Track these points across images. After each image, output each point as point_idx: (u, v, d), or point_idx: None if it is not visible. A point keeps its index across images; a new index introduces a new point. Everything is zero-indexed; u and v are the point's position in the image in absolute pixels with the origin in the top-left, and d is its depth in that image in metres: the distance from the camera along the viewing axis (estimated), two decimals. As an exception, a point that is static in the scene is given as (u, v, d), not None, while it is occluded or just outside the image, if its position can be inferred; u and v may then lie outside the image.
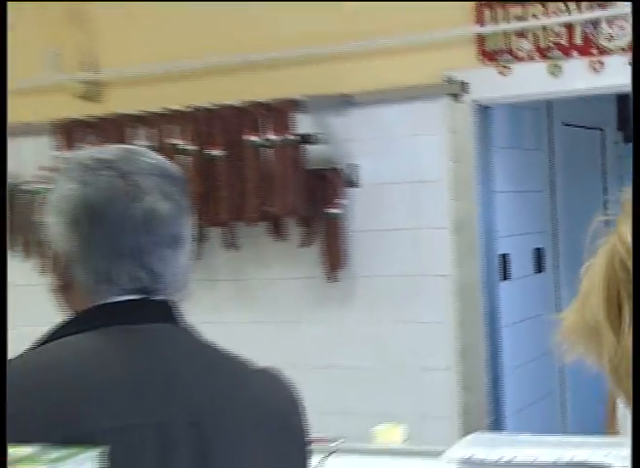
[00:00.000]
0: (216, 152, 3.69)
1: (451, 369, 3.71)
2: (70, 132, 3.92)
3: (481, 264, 3.71)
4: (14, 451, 0.90)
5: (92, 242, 1.24)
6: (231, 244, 3.86)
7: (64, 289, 1.31)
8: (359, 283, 3.87)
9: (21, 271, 3.92)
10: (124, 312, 1.26)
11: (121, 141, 3.55)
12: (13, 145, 3.30)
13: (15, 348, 1.25)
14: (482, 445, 2.02)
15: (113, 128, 3.82)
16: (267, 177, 3.61)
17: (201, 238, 3.83)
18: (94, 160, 1.27)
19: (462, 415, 3.62)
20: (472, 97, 3.57)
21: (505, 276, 3.95)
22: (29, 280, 3.85)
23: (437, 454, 2.00)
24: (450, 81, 3.57)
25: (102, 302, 1.25)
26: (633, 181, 1.03)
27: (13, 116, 3.57)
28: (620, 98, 5.17)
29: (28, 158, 4.06)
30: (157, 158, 1.31)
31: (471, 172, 3.64)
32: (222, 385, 1.28)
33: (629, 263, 0.97)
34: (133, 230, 1.23)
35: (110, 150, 1.31)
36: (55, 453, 0.90)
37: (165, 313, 1.28)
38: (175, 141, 3.73)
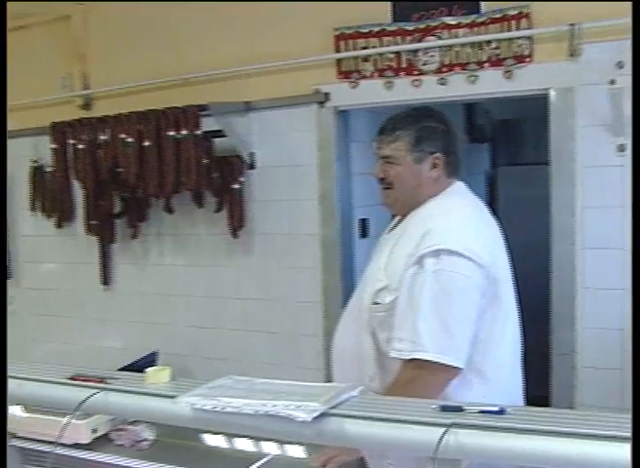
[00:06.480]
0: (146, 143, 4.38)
1: (317, 302, 4.35)
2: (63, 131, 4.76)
3: (339, 226, 4.26)
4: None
5: None
6: (169, 209, 4.66)
7: None
8: (256, 239, 4.54)
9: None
10: None
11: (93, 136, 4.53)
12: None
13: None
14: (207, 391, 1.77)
15: (89, 127, 4.63)
16: (185, 162, 4.27)
17: (148, 204, 4.76)
18: None
19: (325, 335, 4.19)
20: (333, 104, 4.21)
21: (364, 234, 4.48)
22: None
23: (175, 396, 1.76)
24: (317, 92, 4.22)
25: None
26: (632, 178, 1.36)
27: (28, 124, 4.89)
28: (467, 108, 5.83)
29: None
30: None
31: (332, 158, 4.26)
32: None
33: None
34: None
35: None
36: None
37: None
38: (122, 136, 4.43)
